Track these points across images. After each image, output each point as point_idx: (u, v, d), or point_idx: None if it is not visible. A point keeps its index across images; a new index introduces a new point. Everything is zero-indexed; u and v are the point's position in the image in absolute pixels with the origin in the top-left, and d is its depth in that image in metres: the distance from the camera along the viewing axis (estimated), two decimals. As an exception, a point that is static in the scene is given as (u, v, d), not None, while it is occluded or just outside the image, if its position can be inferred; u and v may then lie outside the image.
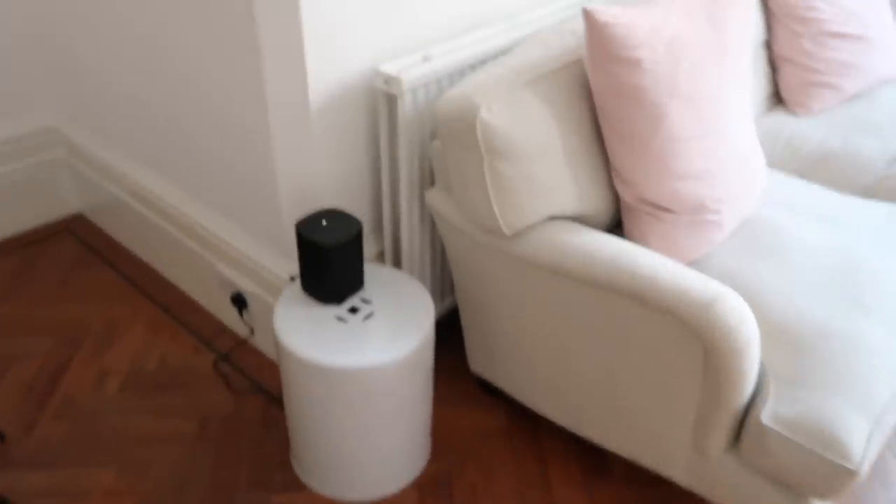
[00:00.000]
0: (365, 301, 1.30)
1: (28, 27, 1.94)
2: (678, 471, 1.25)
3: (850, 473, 1.02)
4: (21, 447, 1.47)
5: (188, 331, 1.78)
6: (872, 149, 1.77)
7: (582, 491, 1.41)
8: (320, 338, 1.22)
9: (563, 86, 1.26)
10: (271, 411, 1.57)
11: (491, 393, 1.62)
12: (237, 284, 1.64)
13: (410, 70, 1.31)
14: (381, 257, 1.60)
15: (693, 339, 1.09)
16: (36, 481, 1.41)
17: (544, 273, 1.24)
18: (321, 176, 1.41)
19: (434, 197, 1.38)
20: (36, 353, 1.71)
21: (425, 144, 1.40)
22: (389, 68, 1.31)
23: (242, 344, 1.74)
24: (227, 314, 1.76)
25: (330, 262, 1.22)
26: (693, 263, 1.31)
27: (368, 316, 1.27)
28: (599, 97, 1.23)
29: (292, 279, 1.40)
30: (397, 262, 1.57)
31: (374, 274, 1.37)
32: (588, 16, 1.15)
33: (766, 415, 1.08)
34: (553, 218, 1.26)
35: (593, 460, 1.48)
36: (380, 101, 1.35)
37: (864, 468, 1.02)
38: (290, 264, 1.53)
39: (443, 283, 1.65)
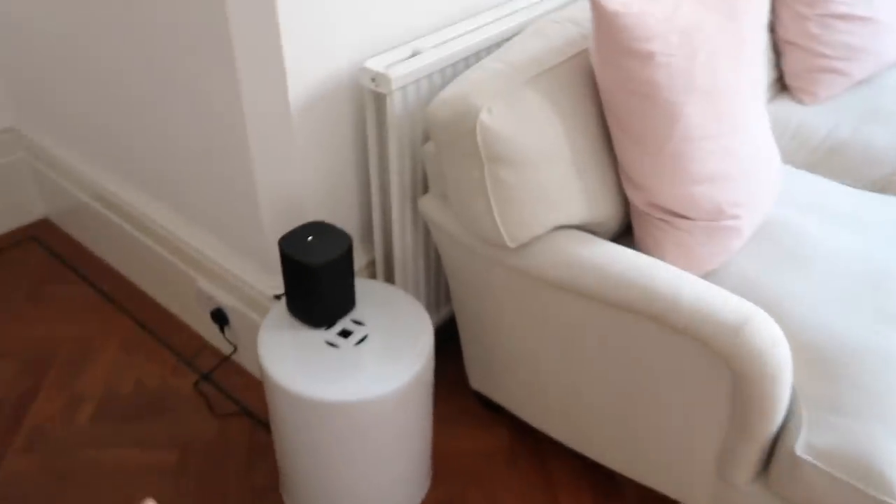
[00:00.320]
0: (357, 323, 1.19)
1: (-20, 23, 1.79)
2: (699, 499, 1.16)
3: (894, 507, 0.93)
4: (-15, 486, 1.36)
5: (166, 348, 1.66)
6: (884, 139, 1.68)
7: (593, 515, 1.33)
8: (310, 367, 1.11)
9: (566, 82, 1.15)
10: (258, 435, 1.47)
11: (492, 409, 1.53)
12: (217, 300, 1.53)
13: (399, 66, 1.19)
14: (371, 267, 1.49)
15: (720, 365, 0.99)
16: (2, 524, 1.29)
17: (552, 288, 1.13)
18: (304, 183, 1.30)
19: (428, 204, 1.27)
20: None
21: (417, 146, 1.29)
22: (376, 64, 1.19)
23: (225, 361, 1.62)
24: (208, 329, 1.65)
25: (318, 282, 1.11)
26: (710, 274, 1.21)
27: (362, 340, 1.16)
28: (608, 94, 1.12)
29: (277, 298, 1.29)
30: (389, 273, 1.47)
31: (366, 290, 1.26)
32: (596, 5, 1.04)
33: (800, 445, 0.99)
34: (559, 227, 1.16)
35: (604, 483, 1.39)
36: (367, 101, 1.23)
37: (909, 500, 0.94)
38: (273, 279, 1.41)
39: (438, 292, 1.55)
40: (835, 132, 1.73)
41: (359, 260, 1.46)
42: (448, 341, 1.64)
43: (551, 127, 1.10)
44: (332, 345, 1.15)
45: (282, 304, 1.23)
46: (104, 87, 1.54)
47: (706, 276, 1.21)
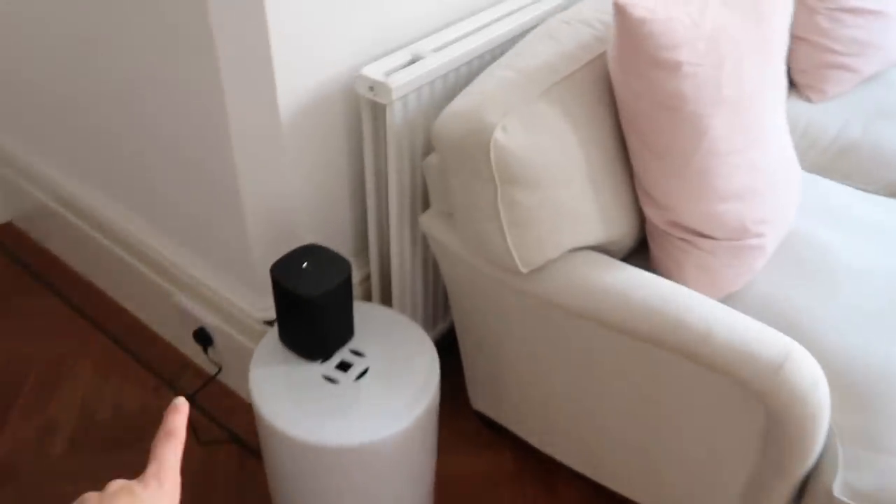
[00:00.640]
0: (356, 353, 1.10)
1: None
2: (725, 535, 1.10)
3: (941, 555, 0.88)
4: (-49, 529, 1.25)
5: (145, 368, 1.56)
6: (895, 140, 1.62)
7: (606, 545, 1.26)
8: (308, 406, 1.02)
9: (581, 91, 1.06)
10: (248, 464, 1.38)
11: (493, 428, 1.45)
12: (200, 319, 1.42)
13: (399, 73, 1.09)
14: (365, 283, 1.39)
15: (755, 402, 0.92)
16: (-29, 573, 1.19)
17: (568, 314, 1.05)
18: (295, 198, 1.19)
19: (430, 222, 1.17)
20: (-35, 404, 1.47)
21: (417, 159, 1.19)
22: (374, 72, 1.09)
23: (210, 381, 1.52)
24: (190, 347, 1.54)
25: (315, 315, 1.02)
26: (731, 295, 1.14)
27: (362, 374, 1.07)
28: (629, 106, 1.03)
29: (267, 324, 1.19)
30: (385, 292, 1.37)
31: (364, 315, 1.16)
32: (620, 10, 0.95)
33: (838, 486, 0.93)
34: (574, 249, 1.07)
35: (616, 507, 1.32)
36: (364, 111, 1.13)
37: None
38: (261, 300, 1.31)
39: (435, 306, 1.46)
40: (845, 132, 1.66)
41: (353, 277, 1.36)
42: (445, 355, 1.55)
43: (568, 142, 1.01)
44: (330, 380, 1.06)
45: (273, 333, 1.13)
46: (77, 91, 1.41)
47: (727, 298, 1.14)
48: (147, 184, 1.40)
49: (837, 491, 0.93)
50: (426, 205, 1.26)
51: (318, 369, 1.07)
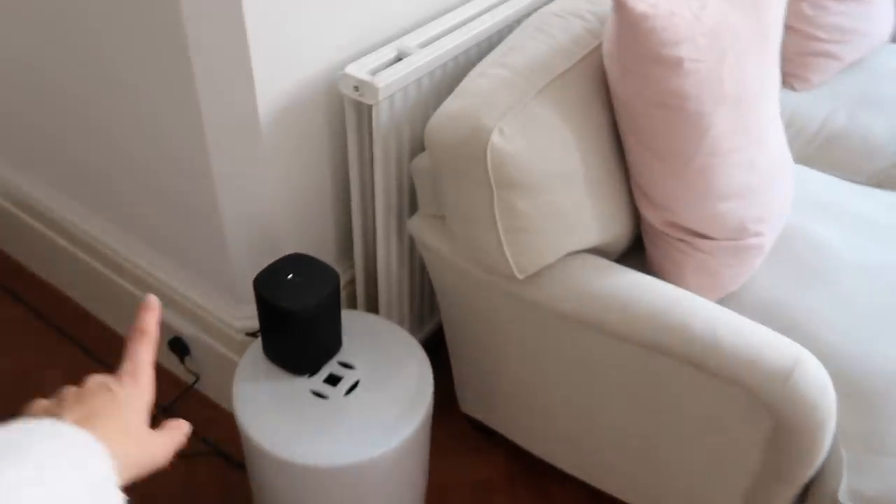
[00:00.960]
0: (345, 366, 1.05)
1: None
2: (727, 541, 1.08)
3: (949, 561, 0.87)
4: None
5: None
6: (880, 129, 1.61)
7: (603, 550, 1.24)
8: (296, 425, 0.97)
9: (576, 88, 1.02)
10: (231, 476, 1.32)
11: (484, 432, 1.42)
12: (175, 328, 1.36)
13: (385, 72, 1.03)
14: (350, 286, 1.34)
15: (761, 411, 0.90)
16: None
17: (566, 320, 1.02)
18: (276, 204, 1.13)
19: (419, 226, 1.12)
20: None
21: (404, 160, 1.14)
22: (358, 70, 1.03)
23: (187, 391, 1.46)
24: (165, 355, 1.48)
25: (302, 329, 0.96)
26: (729, 296, 1.11)
27: (352, 388, 1.02)
28: (628, 105, 0.99)
29: (250, 336, 1.13)
30: (371, 298, 1.32)
31: (351, 324, 1.11)
32: (620, 5, 0.90)
33: (843, 491, 0.92)
34: (571, 252, 1.03)
35: (611, 510, 1.30)
36: (348, 111, 1.07)
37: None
38: (241, 309, 1.25)
39: (422, 307, 1.41)
40: (830, 121, 1.65)
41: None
42: (433, 355, 1.51)
43: (565, 144, 0.97)
44: (319, 395, 1.01)
45: (256, 345, 1.07)
46: (45, 97, 1.32)
47: (725, 298, 1.11)
48: (118, 190, 1.32)
49: (843, 497, 0.91)
50: (413, 207, 1.21)
51: (305, 384, 1.02)
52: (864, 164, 1.57)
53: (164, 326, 1.39)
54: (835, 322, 1.06)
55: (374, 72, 1.02)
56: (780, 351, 0.87)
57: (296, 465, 0.94)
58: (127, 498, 0.42)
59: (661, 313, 0.93)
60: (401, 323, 1.33)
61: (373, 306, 1.34)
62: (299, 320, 0.95)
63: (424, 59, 1.07)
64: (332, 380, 1.03)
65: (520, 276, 1.00)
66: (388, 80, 1.01)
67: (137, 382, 0.49)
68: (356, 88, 1.01)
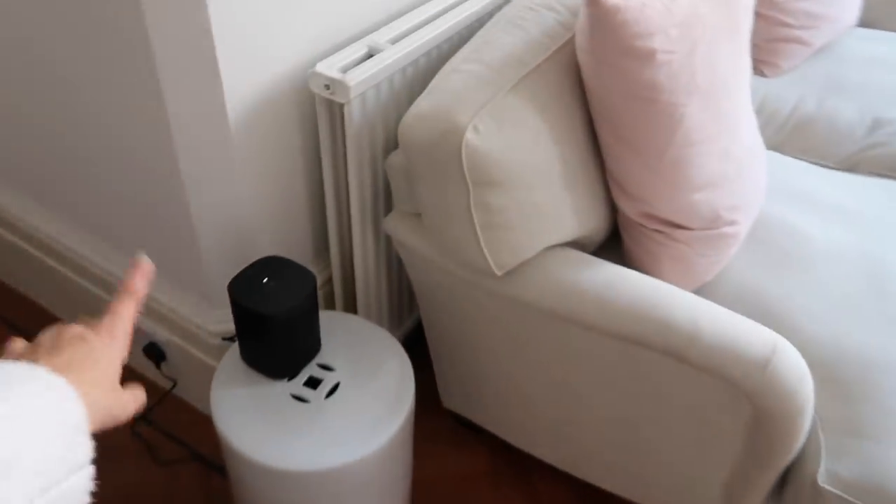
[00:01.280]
0: (325, 368, 1.04)
1: None
2: (709, 528, 1.10)
3: (926, 540, 0.88)
4: None
5: (93, 386, 1.46)
6: (850, 113, 1.63)
7: (588, 540, 1.25)
8: (277, 430, 0.96)
9: (549, 83, 1.01)
10: (213, 482, 1.31)
11: (468, 426, 1.41)
12: (150, 334, 1.33)
13: (356, 69, 1.01)
14: (327, 286, 1.33)
15: (742, 400, 0.90)
16: None
17: (545, 316, 1.02)
18: (248, 205, 1.11)
19: (395, 224, 1.11)
20: None
21: (378, 158, 1.12)
22: (329, 68, 1.01)
23: (165, 397, 1.44)
24: (141, 361, 1.45)
25: (280, 333, 0.95)
26: (706, 285, 1.12)
27: (333, 390, 1.01)
28: (601, 98, 0.99)
29: (227, 340, 1.11)
30: (349, 295, 1.31)
31: (330, 325, 1.10)
32: (591, 1, 0.89)
33: (822, 475, 0.93)
34: (549, 247, 1.03)
35: (595, 501, 1.31)
36: (320, 110, 1.06)
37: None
38: (215, 312, 1.23)
39: (400, 304, 1.41)
40: (800, 106, 1.66)
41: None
42: (413, 351, 1.51)
43: (541, 138, 0.96)
44: (299, 398, 1.00)
45: (234, 350, 1.06)
46: (5, 97, 1.28)
47: (702, 288, 1.12)
48: (87, 196, 1.29)
49: (822, 480, 0.93)
50: (389, 206, 1.20)
51: (285, 388, 1.01)
52: (834, 149, 1.59)
53: (139, 332, 1.36)
54: (810, 308, 1.07)
55: (345, 69, 1.01)
56: (758, 340, 0.88)
57: (278, 470, 0.93)
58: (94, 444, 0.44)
59: (640, 306, 0.93)
60: (379, 322, 1.32)
61: (351, 306, 1.33)
62: (276, 324, 0.94)
63: (396, 55, 1.05)
64: (313, 383, 1.02)
65: (498, 273, 1.00)
66: (359, 78, 0.99)
67: (114, 337, 0.50)
68: (327, 87, 1.00)
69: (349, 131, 1.04)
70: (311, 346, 1.03)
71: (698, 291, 1.11)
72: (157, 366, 1.37)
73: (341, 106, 1.02)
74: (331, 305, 1.35)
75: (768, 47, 1.76)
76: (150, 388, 1.44)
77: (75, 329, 0.49)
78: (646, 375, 0.98)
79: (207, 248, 1.15)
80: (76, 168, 1.26)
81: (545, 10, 1.09)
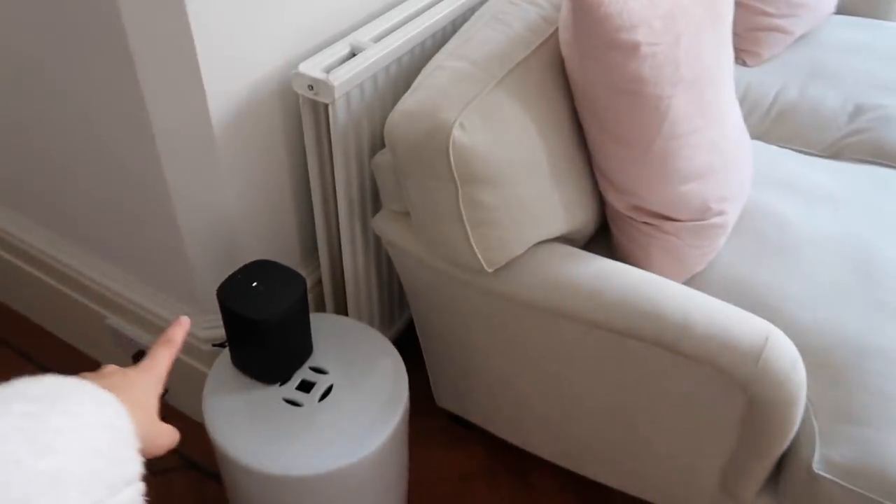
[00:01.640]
0: (317, 371, 1.03)
1: None
2: (706, 517, 1.10)
3: (921, 522, 0.89)
4: None
5: (82, 396, 1.44)
6: (832, 100, 1.64)
7: (586, 534, 1.25)
8: (271, 435, 0.95)
9: (535, 78, 1.01)
10: (208, 489, 1.30)
11: (463, 424, 1.41)
12: (139, 342, 1.32)
13: (339, 69, 1.00)
14: (317, 288, 1.32)
15: (735, 389, 0.91)
16: None
17: (537, 311, 1.01)
18: (235, 209, 1.10)
19: (384, 224, 1.11)
20: None
21: (364, 158, 1.12)
22: (312, 68, 1.00)
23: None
24: (130, 370, 1.43)
25: (271, 338, 0.94)
26: (696, 275, 1.13)
27: (326, 393, 1.01)
28: (586, 92, 0.99)
29: (217, 346, 1.10)
30: (339, 297, 1.30)
31: (321, 327, 1.09)
32: (574, -7, 0.89)
33: (817, 461, 0.93)
34: (538, 242, 1.03)
35: (591, 493, 1.31)
36: (304, 111, 1.05)
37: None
38: (205, 318, 1.22)
39: (391, 304, 1.40)
40: (782, 95, 1.67)
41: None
42: (406, 350, 1.50)
43: (527, 134, 0.96)
44: (292, 402, 0.99)
45: (224, 356, 1.05)
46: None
47: (692, 279, 1.12)
48: (70, 205, 1.27)
49: (817, 467, 0.93)
50: (377, 205, 1.19)
51: (277, 392, 1.00)
52: (818, 136, 1.60)
53: (127, 341, 1.35)
54: (799, 296, 1.08)
55: (329, 69, 1.00)
56: (751, 329, 0.88)
57: (273, 476, 0.92)
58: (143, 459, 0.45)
59: (632, 299, 0.93)
60: (371, 322, 1.32)
61: (341, 307, 1.32)
62: (267, 329, 0.93)
63: (379, 53, 1.05)
64: (305, 386, 1.01)
65: (489, 270, 0.99)
66: (343, 78, 0.99)
67: (151, 373, 0.54)
68: (311, 87, 0.99)
69: (334, 131, 1.03)
70: (302, 349, 1.02)
71: (689, 282, 1.11)
72: (147, 374, 1.35)
73: (326, 106, 1.01)
74: (321, 307, 1.34)
75: (749, 36, 1.76)
76: (141, 396, 1.43)
77: (114, 366, 0.53)
78: (638, 367, 0.98)
79: (195, 254, 1.14)
80: (59, 178, 1.24)
81: (528, 4, 1.09)
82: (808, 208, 1.23)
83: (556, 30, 1.03)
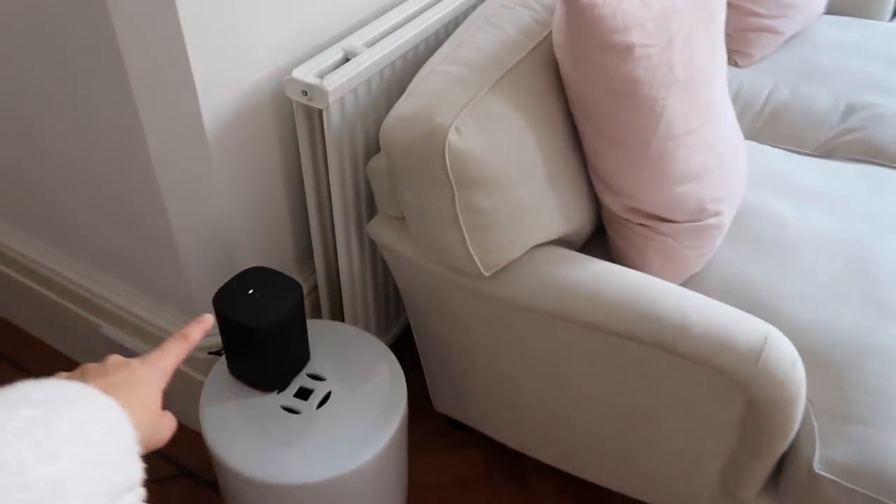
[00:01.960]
0: (315, 378, 1.03)
1: None
2: (707, 518, 1.10)
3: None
4: None
5: (76, 407, 1.43)
6: (824, 99, 1.64)
7: (587, 537, 1.25)
8: (268, 442, 0.94)
9: (529, 81, 1.00)
10: (205, 498, 1.29)
11: (461, 428, 1.41)
12: (134, 351, 1.31)
13: (333, 74, 1.00)
14: (313, 294, 1.31)
15: (734, 390, 0.91)
16: None
17: (535, 314, 1.01)
18: (230, 217, 1.10)
19: (379, 229, 1.10)
20: None
21: (359, 163, 1.11)
22: (305, 74, 1.00)
23: (150, 414, 1.41)
24: (125, 379, 1.42)
25: (268, 345, 0.93)
26: (693, 277, 1.13)
27: (324, 400, 1.00)
28: (580, 94, 0.99)
29: (214, 354, 1.09)
30: (335, 303, 1.30)
31: (318, 333, 1.09)
32: (567, -4, 0.89)
33: (818, 461, 0.93)
34: (536, 245, 1.03)
35: (590, 496, 1.31)
36: (298, 117, 1.04)
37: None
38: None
39: (388, 310, 1.39)
40: (774, 95, 1.68)
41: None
42: (403, 355, 1.49)
43: (523, 137, 0.96)
44: (290, 410, 0.99)
45: (221, 365, 1.04)
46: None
47: (689, 280, 1.12)
48: (63, 214, 1.26)
49: (818, 467, 0.93)
50: (372, 210, 1.19)
51: (275, 400, 1.00)
52: (810, 136, 1.61)
53: (123, 350, 1.34)
54: (796, 295, 1.08)
55: (322, 74, 1.00)
56: (750, 330, 0.88)
57: (272, 485, 0.92)
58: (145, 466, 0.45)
59: (630, 301, 0.93)
60: (367, 327, 1.31)
61: (338, 313, 1.31)
62: (264, 336, 0.92)
63: (373, 58, 1.04)
64: (303, 393, 1.01)
65: (486, 274, 0.99)
66: (337, 83, 0.98)
67: (157, 366, 0.53)
68: (305, 93, 0.99)
69: (329, 137, 1.03)
70: (300, 356, 1.02)
71: (686, 283, 1.11)
72: (142, 383, 1.34)
73: (320, 111, 1.01)
74: (317, 314, 1.34)
75: (740, 37, 1.77)
76: (136, 406, 1.42)
77: (119, 357, 0.52)
78: (637, 369, 0.98)
79: (190, 262, 1.13)
80: (52, 187, 1.23)
81: (521, 7, 1.08)
82: (803, 208, 1.23)
83: (550, 33, 1.03)
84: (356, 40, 1.08)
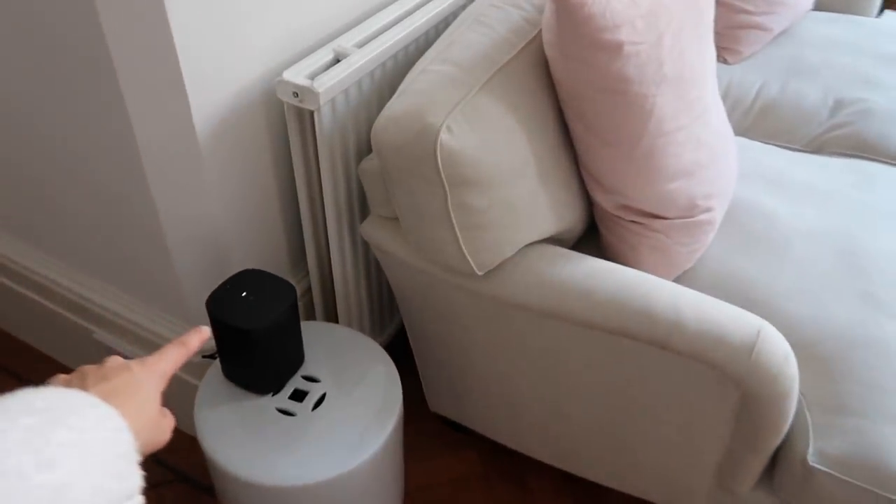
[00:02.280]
0: (310, 380, 1.03)
1: None
2: (703, 513, 1.10)
3: (915, 511, 0.90)
4: None
5: (70, 413, 1.42)
6: (813, 95, 1.65)
7: (584, 534, 1.25)
8: (263, 445, 0.94)
9: (520, 79, 1.01)
10: (199, 501, 1.28)
11: (457, 428, 1.41)
12: (128, 356, 1.30)
13: (324, 76, 1.00)
14: (307, 296, 1.31)
15: (728, 384, 0.91)
16: None
17: (529, 313, 1.01)
18: (222, 220, 1.09)
19: (372, 230, 1.10)
20: None
21: (350, 164, 1.11)
22: (296, 75, 1.00)
23: (145, 419, 1.40)
24: (118, 385, 1.41)
25: (262, 348, 0.93)
26: (685, 273, 1.13)
27: (319, 401, 1.00)
28: (571, 92, 0.99)
29: (208, 358, 1.09)
30: (328, 304, 1.29)
31: (312, 335, 1.09)
32: (557, -6, 0.89)
33: (812, 454, 0.94)
34: (529, 244, 1.03)
35: (587, 493, 1.31)
36: (289, 119, 1.04)
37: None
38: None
39: (381, 311, 1.39)
40: (764, 92, 1.69)
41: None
42: (398, 356, 1.49)
43: (514, 135, 0.96)
44: (285, 412, 0.98)
45: (215, 368, 1.04)
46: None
47: (682, 276, 1.13)
48: (54, 218, 1.26)
49: (812, 460, 0.94)
50: (364, 211, 1.19)
51: (270, 402, 0.99)
52: (800, 131, 1.62)
53: (116, 355, 1.33)
54: (789, 290, 1.08)
55: (313, 76, 0.99)
56: (742, 325, 0.89)
57: (268, 487, 0.91)
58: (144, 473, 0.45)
59: (623, 298, 0.93)
60: (361, 328, 1.31)
61: (332, 314, 1.31)
62: (258, 339, 0.92)
63: (363, 59, 1.04)
64: (298, 395, 1.00)
65: (479, 273, 0.99)
66: (327, 84, 0.98)
67: (156, 369, 0.54)
68: (295, 94, 0.98)
69: (320, 138, 1.03)
70: (294, 358, 1.01)
71: (678, 280, 1.12)
72: (136, 388, 1.34)
73: (311, 113, 1.01)
74: (311, 315, 1.33)
75: (729, 34, 1.78)
76: (130, 411, 1.41)
77: (118, 359, 0.52)
78: (632, 365, 0.98)
79: (182, 266, 1.13)
80: (43, 192, 1.23)
81: (510, 7, 1.09)
82: (794, 203, 1.24)
83: (539, 31, 1.03)
84: (347, 41, 1.08)
